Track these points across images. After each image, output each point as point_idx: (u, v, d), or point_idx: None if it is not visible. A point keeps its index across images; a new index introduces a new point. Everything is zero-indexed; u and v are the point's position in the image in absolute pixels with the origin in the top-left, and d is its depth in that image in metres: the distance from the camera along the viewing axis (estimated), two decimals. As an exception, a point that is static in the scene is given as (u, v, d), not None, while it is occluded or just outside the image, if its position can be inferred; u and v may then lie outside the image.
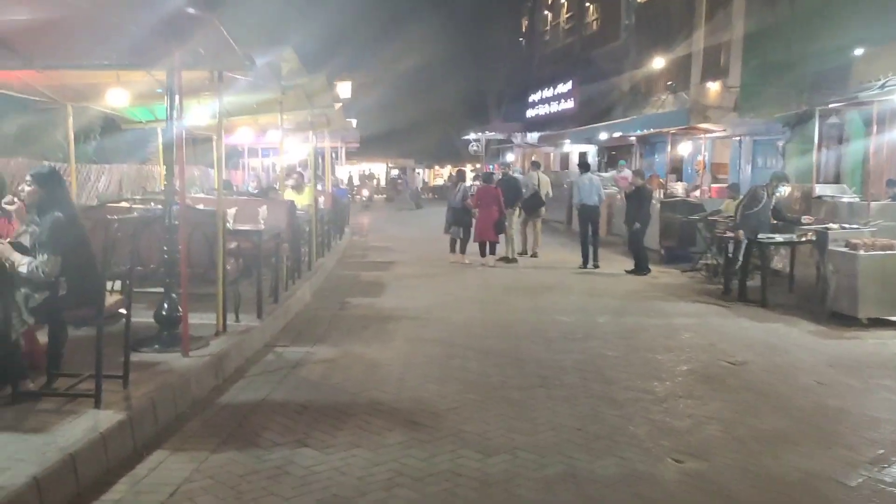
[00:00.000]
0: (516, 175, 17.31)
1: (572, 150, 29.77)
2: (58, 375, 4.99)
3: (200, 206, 7.92)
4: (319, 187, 18.10)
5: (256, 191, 12.44)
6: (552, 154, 33.08)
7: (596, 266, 13.70)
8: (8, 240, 5.03)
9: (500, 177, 15.15)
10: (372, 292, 10.73)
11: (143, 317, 6.40)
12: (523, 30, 36.32)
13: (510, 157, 36.71)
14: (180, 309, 6.05)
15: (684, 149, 20.25)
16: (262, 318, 7.53)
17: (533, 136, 31.61)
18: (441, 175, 55.49)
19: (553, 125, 29.66)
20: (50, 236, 4.67)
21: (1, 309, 4.50)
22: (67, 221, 4.78)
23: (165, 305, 6.17)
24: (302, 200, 11.51)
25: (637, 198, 13.17)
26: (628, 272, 13.16)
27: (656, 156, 22.66)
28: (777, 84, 14.83)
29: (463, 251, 14.22)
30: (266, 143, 22.13)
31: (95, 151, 13.25)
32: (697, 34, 18.66)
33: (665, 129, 16.96)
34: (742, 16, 16.68)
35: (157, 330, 6.24)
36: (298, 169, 12.96)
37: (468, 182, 15.27)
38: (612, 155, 26.87)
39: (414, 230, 21.99)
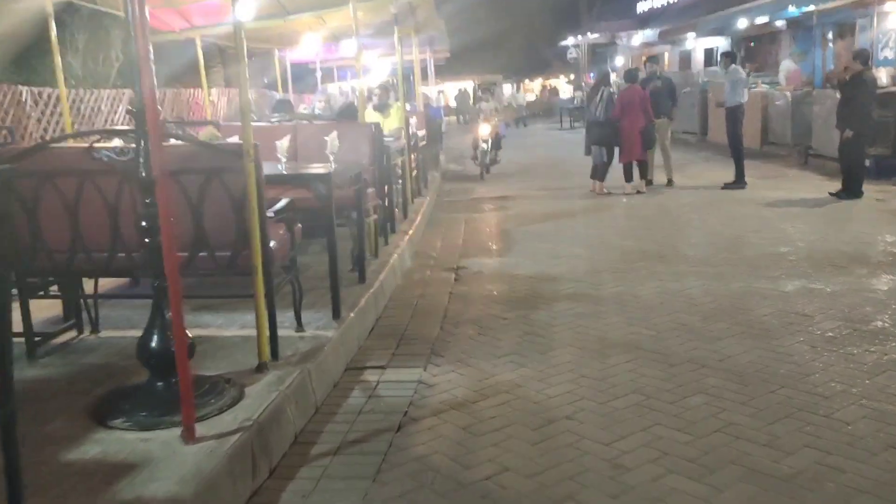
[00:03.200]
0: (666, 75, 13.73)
1: (695, 45, 25.31)
2: None
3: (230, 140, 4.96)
4: (409, 107, 15.00)
5: (324, 112, 9.20)
6: (667, 54, 28.54)
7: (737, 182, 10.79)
8: None
9: (644, 76, 11.55)
10: (495, 250, 7.63)
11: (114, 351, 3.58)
12: None
13: (620, 60, 32.31)
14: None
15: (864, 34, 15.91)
16: (340, 319, 4.57)
17: (647, 34, 27.17)
18: (531, 90, 51.27)
19: (673, 19, 25.18)
20: None
21: None
22: None
23: (154, 334, 3.27)
24: (390, 123, 8.43)
25: (853, 91, 9.42)
26: (833, 194, 9.59)
27: (819, 45, 18.25)
28: None
29: (603, 178, 10.88)
30: (341, 60, 19.06)
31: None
32: None
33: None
34: None
35: (138, 384, 3.40)
36: (380, 85, 9.70)
37: (612, 87, 11.77)
38: (751, 48, 22.39)
39: (525, 152, 18.67)
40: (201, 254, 3.70)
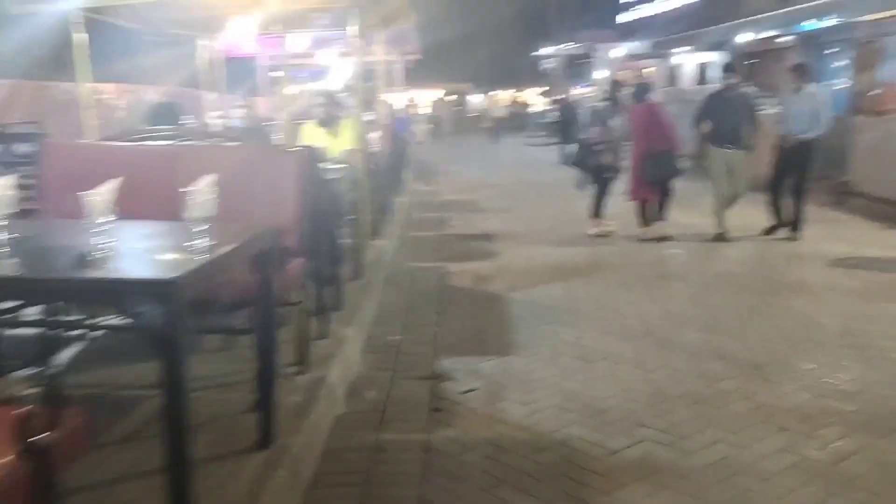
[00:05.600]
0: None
1: (688, 60, 23.21)
2: None
3: None
4: (371, 116, 12.45)
5: (241, 125, 6.42)
6: (654, 68, 26.38)
7: (795, 231, 8.25)
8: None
9: (710, 92, 8.79)
10: (491, 341, 5.11)
11: None
12: None
13: (601, 74, 30.15)
14: None
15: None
16: None
17: (633, 46, 25.04)
18: (501, 101, 49.16)
19: (658, 31, 23.05)
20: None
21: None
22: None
23: None
24: (340, 144, 5.86)
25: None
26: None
27: (833, 63, 16.19)
28: None
29: (597, 212, 8.63)
30: (299, 58, 16.39)
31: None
32: None
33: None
34: None
35: None
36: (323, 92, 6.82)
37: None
38: (751, 65, 20.32)
39: (501, 171, 16.25)
40: None
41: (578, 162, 8.71)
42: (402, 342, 4.94)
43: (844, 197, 10.71)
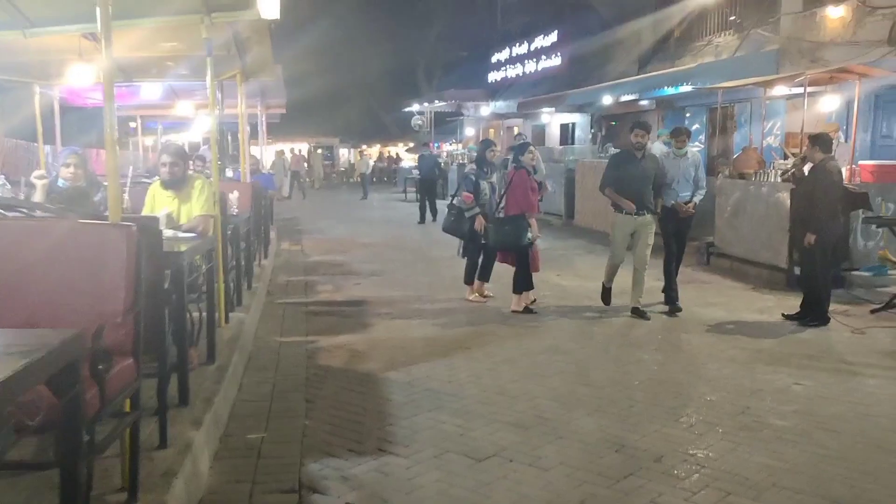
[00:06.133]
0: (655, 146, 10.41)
1: (552, 121, 23.88)
2: None
3: None
4: (230, 173, 11.66)
5: (65, 187, 5.46)
6: (516, 128, 26.95)
7: (672, 305, 7.77)
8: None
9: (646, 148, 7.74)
10: (365, 438, 4.42)
11: None
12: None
13: (470, 132, 30.55)
14: None
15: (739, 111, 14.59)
16: None
17: (499, 105, 25.50)
18: (370, 155, 49.10)
19: (526, 91, 23.60)
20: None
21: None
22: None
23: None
24: (189, 210, 5.12)
25: (814, 185, 7.36)
26: (790, 318, 7.42)
27: (688, 126, 16.95)
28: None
29: (484, 276, 8.26)
30: (155, 109, 15.34)
31: None
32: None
33: (764, 79, 11.06)
34: None
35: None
36: (167, 149, 5.85)
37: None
38: (612, 126, 21.10)
39: (371, 229, 15.72)
40: None
41: (450, 227, 8.28)
42: (265, 441, 4.24)
43: (710, 258, 10.95)
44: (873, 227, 8.98)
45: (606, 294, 7.93)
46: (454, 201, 8.27)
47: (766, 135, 13.90)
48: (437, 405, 4.88)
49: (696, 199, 7.93)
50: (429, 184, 17.81)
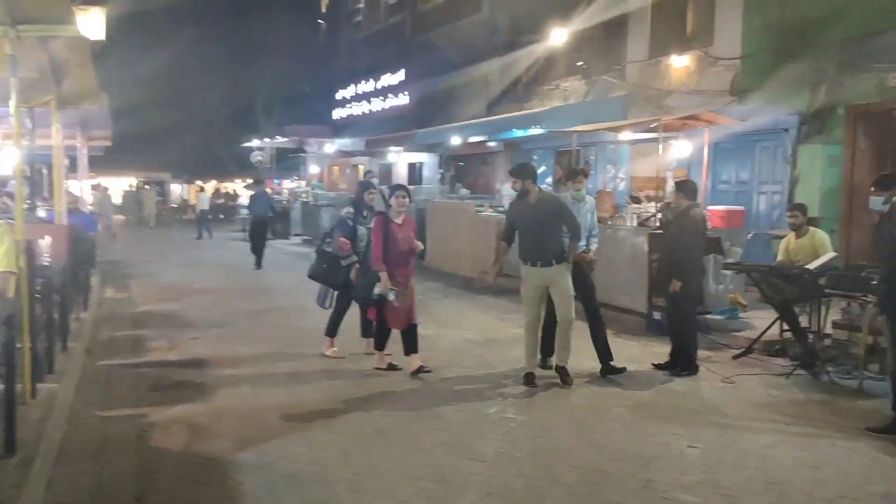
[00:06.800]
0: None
1: (399, 159, 23.53)
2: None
3: None
4: (43, 213, 10.15)
5: None
6: (361, 166, 26.44)
7: (609, 366, 7.06)
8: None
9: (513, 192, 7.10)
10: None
11: None
12: (323, 10, 29.31)
13: (314, 169, 29.62)
14: None
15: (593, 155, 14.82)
16: None
17: (345, 142, 24.86)
18: (205, 190, 46.80)
19: (371, 129, 23.12)
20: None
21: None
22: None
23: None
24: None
25: (679, 231, 7.27)
26: (660, 367, 7.25)
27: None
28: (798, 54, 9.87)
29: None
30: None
31: None
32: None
33: (619, 124, 11.20)
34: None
35: None
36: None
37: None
38: (461, 167, 21.05)
39: (210, 272, 14.42)
40: None
41: (321, 275, 7.45)
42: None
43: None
44: (731, 272, 9.11)
45: (529, 378, 6.64)
46: (327, 248, 7.47)
47: (614, 179, 14.23)
48: (299, 497, 4.08)
49: (594, 247, 7.37)
50: (260, 226, 15.79)
